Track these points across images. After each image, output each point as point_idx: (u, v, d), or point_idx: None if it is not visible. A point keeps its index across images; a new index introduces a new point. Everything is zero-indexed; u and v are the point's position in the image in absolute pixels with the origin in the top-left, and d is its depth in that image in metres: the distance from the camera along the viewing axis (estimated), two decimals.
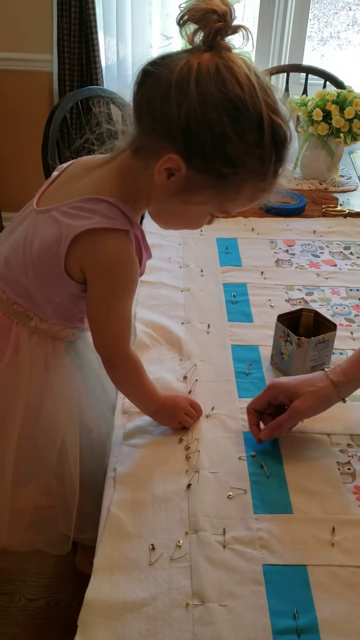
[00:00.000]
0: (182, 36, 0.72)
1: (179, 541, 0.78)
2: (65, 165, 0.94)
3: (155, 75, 0.72)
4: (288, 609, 0.71)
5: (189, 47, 0.73)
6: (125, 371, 0.91)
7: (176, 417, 0.93)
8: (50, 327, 0.90)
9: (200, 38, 0.71)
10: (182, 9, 0.70)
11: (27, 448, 0.97)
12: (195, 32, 0.71)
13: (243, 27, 0.71)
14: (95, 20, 2.49)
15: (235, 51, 0.72)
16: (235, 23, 0.71)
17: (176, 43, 0.80)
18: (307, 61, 2.73)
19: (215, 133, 0.70)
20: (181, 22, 0.71)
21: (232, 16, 0.70)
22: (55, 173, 0.93)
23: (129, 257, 0.82)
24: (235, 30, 0.71)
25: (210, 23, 0.69)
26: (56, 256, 0.81)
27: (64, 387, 0.96)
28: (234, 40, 0.72)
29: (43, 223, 0.83)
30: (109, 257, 0.80)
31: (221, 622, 0.69)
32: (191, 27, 0.71)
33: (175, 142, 0.72)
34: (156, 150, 0.74)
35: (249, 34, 0.71)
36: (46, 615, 1.34)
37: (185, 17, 0.70)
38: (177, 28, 0.72)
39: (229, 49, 0.71)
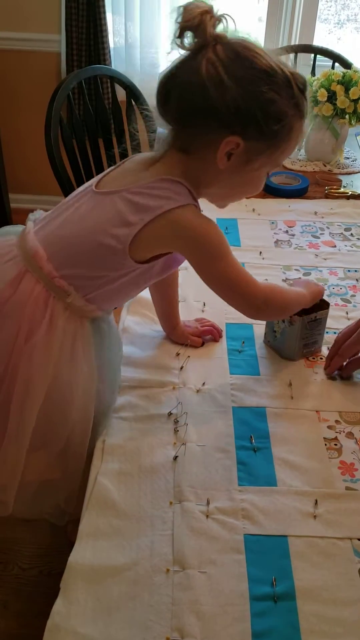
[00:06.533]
0: (176, 45, 0.80)
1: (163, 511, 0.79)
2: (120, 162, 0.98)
3: (179, 85, 0.81)
4: (267, 576, 0.73)
5: (183, 52, 0.80)
6: (273, 303, 0.97)
7: (321, 292, 1.07)
8: (85, 306, 0.92)
9: (192, 39, 0.80)
10: (178, 22, 0.79)
11: (42, 418, 0.98)
12: (183, 36, 0.79)
13: (225, 15, 0.80)
14: (103, 0, 2.48)
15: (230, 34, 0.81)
16: (218, 14, 0.80)
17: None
18: (323, 44, 2.68)
19: (261, 102, 0.80)
20: (180, 34, 0.79)
21: (214, 9, 0.79)
22: (111, 168, 0.96)
23: (208, 220, 0.88)
24: (219, 19, 0.80)
25: (206, 22, 0.79)
26: (122, 235, 0.85)
27: (85, 364, 0.97)
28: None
29: (108, 205, 0.87)
30: (194, 228, 0.86)
31: (200, 587, 0.71)
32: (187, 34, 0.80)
33: (229, 127, 0.81)
34: (209, 142, 0.83)
35: (231, 18, 0.81)
36: (38, 584, 1.37)
37: (186, 27, 0.78)
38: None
39: (224, 35, 0.80)
